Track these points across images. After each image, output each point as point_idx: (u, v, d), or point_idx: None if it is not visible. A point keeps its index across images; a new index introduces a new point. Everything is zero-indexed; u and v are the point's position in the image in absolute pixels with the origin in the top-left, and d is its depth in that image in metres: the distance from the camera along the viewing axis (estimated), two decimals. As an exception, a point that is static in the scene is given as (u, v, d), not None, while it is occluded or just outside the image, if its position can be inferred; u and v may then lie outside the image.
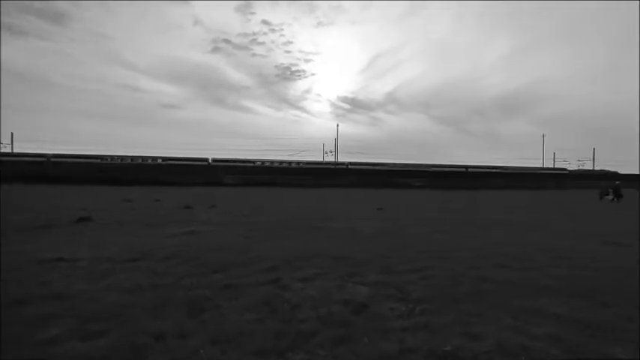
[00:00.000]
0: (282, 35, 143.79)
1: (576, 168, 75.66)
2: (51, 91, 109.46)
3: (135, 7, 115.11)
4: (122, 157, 59.51)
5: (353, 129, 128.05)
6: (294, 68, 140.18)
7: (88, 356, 2.76)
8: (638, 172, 65.85)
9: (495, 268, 5.70)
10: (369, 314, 3.65)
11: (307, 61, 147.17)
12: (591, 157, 77.11)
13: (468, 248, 7.31)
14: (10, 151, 60.85)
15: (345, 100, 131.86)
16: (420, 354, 2.83)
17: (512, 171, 69.35)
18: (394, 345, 2.96)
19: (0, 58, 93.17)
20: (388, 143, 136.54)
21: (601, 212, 17.36)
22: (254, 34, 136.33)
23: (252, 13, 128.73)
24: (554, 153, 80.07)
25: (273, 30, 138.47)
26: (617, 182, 25.13)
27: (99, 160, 57.97)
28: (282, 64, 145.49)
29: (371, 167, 65.49)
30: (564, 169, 73.00)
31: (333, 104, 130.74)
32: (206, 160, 61.88)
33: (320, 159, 71.27)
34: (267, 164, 63.44)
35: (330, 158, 71.83)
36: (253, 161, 63.25)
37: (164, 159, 60.76)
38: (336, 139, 73.22)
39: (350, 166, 65.77)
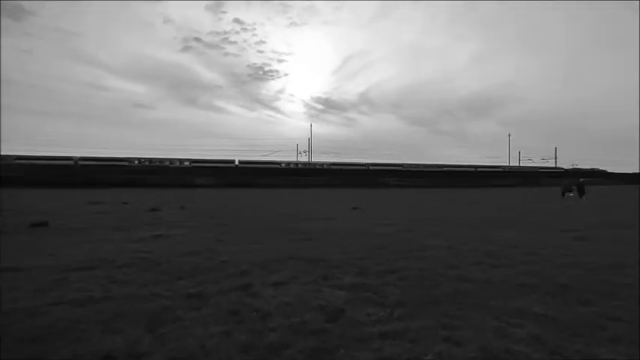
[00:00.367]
0: (254, 35, 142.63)
1: (570, 167, 79.19)
2: (8, 90, 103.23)
3: (103, 5, 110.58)
4: (90, 159, 56.82)
5: (327, 129, 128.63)
6: (267, 68, 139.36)
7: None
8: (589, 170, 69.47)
9: (473, 266, 5.64)
10: (345, 321, 3.41)
11: (280, 61, 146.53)
12: (553, 156, 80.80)
13: (442, 247, 7.25)
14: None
15: (318, 100, 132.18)
16: (401, 364, 2.62)
17: (501, 170, 71.86)
18: (372, 355, 2.74)
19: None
20: (362, 143, 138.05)
21: (567, 208, 17.98)
22: (225, 33, 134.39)
23: (224, 12, 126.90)
24: (519, 152, 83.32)
25: (245, 29, 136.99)
26: (581, 179, 26.24)
27: (70, 162, 55.01)
28: (255, 63, 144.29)
29: (346, 167, 65.76)
30: (561, 168, 76.08)
31: (306, 104, 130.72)
32: (178, 160, 60.13)
33: (294, 159, 70.89)
34: (241, 165, 62.41)
35: (304, 158, 71.58)
36: (226, 162, 62.05)
37: (136, 160, 58.61)
38: (309, 139, 73.07)
39: (324, 166, 65.78)
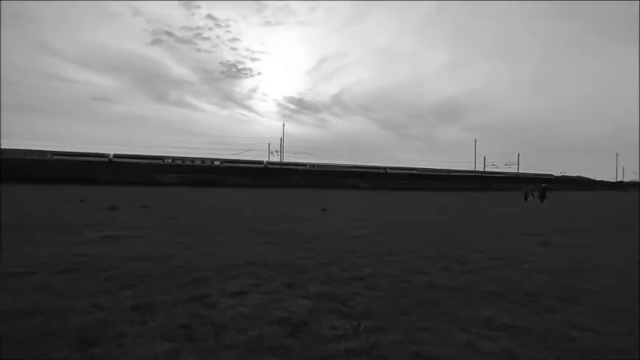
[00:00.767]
0: (228, 32, 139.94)
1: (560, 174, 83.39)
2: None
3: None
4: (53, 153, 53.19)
5: (299, 129, 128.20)
6: (240, 66, 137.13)
7: None
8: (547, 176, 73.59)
9: (441, 272, 5.53)
10: (307, 335, 3.12)
11: (254, 59, 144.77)
12: (516, 162, 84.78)
13: (410, 250, 7.16)
14: None
15: (291, 100, 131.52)
16: (367, 386, 2.37)
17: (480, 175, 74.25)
18: (336, 376, 2.47)
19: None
20: (334, 144, 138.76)
21: (529, 212, 18.68)
22: (198, 28, 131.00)
23: (197, 7, 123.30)
24: (485, 157, 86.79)
25: (218, 25, 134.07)
26: (543, 185, 27.45)
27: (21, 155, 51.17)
28: (228, 61, 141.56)
29: (317, 168, 65.67)
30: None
31: (279, 104, 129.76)
32: (148, 157, 57.52)
33: (266, 159, 69.98)
34: (209, 163, 60.70)
35: (276, 158, 70.82)
36: (193, 159, 60.14)
37: (97, 155, 55.45)
38: (282, 139, 72.42)
39: (295, 167, 65.37)
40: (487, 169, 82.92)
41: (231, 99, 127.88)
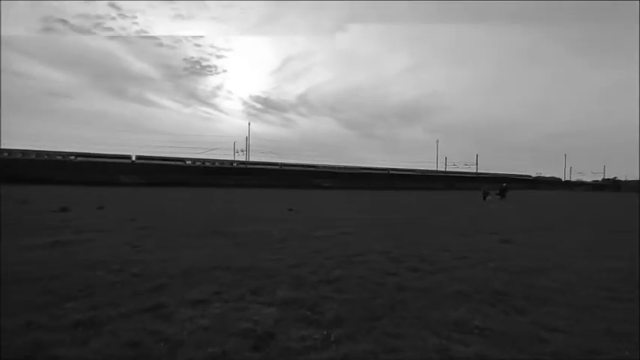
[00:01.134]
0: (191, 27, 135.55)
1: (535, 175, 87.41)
2: None
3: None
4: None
5: (265, 129, 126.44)
6: (204, 63, 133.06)
7: None
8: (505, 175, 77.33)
9: (409, 272, 5.46)
10: (274, 348, 2.89)
11: (219, 57, 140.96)
12: (475, 162, 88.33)
13: (378, 251, 7.07)
14: None
15: (257, 99, 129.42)
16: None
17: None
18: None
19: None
20: (300, 144, 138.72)
21: (490, 211, 19.35)
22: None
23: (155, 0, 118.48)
24: (446, 158, 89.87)
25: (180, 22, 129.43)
26: (504, 184, 28.67)
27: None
28: (192, 57, 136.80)
29: (283, 167, 65.08)
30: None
31: (245, 103, 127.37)
32: (98, 155, 54.44)
33: (231, 158, 68.46)
34: (172, 162, 58.48)
35: (241, 157, 69.45)
36: (155, 158, 57.73)
37: (43, 153, 51.77)
38: (247, 138, 71.09)
39: (261, 166, 64.47)
40: (449, 169, 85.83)
41: (194, 96, 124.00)
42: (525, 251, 7.50)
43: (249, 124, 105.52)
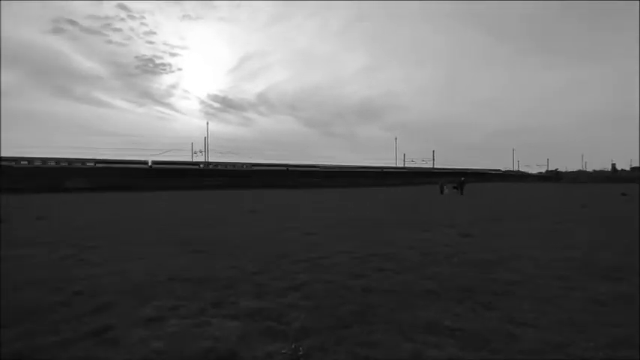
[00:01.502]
0: (143, 24, 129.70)
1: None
2: None
3: None
4: None
5: (224, 128, 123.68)
6: (158, 61, 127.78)
7: None
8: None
9: (376, 273, 5.38)
10: (237, 369, 2.63)
11: (173, 54, 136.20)
12: (432, 158, 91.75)
13: (343, 251, 6.96)
14: None
15: (215, 98, 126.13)
16: None
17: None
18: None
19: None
20: (261, 143, 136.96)
21: (448, 204, 20.00)
22: (108, 18, 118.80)
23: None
24: (404, 154, 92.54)
25: (132, 17, 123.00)
26: (462, 178, 29.83)
27: None
28: (144, 55, 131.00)
29: (242, 167, 63.62)
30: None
31: (202, 102, 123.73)
32: (40, 159, 50.07)
33: (189, 159, 65.93)
34: (124, 165, 55.15)
35: (199, 158, 67.10)
36: (106, 162, 54.21)
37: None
38: (205, 138, 68.77)
39: (219, 167, 62.65)
40: (407, 165, 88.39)
41: (148, 96, 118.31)
42: (483, 243, 7.73)
43: (207, 123, 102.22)
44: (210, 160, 66.25)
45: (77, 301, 4.14)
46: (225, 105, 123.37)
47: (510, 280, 4.88)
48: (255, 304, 4.02)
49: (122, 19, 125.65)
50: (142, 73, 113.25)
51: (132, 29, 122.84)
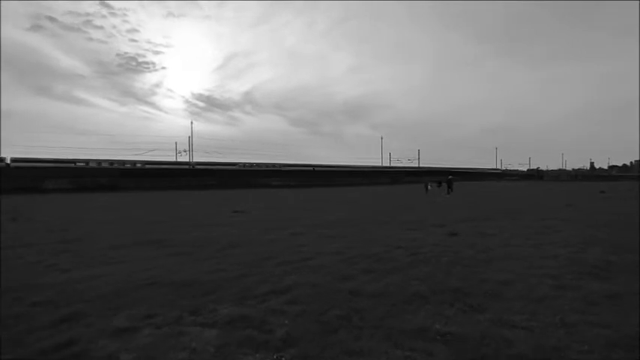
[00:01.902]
0: (125, 21, 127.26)
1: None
2: None
3: None
4: None
5: (210, 127, 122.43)
6: (140, 59, 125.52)
7: None
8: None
9: (363, 274, 5.21)
10: (213, 385, 2.41)
11: (157, 52, 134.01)
12: (417, 157, 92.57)
13: (331, 252, 6.78)
14: None
15: (200, 97, 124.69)
16: None
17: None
18: None
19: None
20: (247, 143, 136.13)
21: (434, 203, 20.03)
22: (88, 15, 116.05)
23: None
24: (390, 153, 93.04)
25: (113, 14, 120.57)
26: (450, 177, 29.90)
27: None
28: (127, 53, 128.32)
29: (228, 167, 62.77)
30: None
31: (187, 101, 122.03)
32: (19, 160, 48.27)
33: (173, 159, 64.70)
34: (106, 165, 53.73)
35: (184, 158, 65.92)
36: (87, 161, 52.67)
37: None
38: (190, 138, 67.59)
39: (206, 166, 61.69)
40: (393, 164, 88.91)
41: (131, 94, 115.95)
42: (471, 242, 7.65)
43: (191, 123, 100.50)
44: (195, 159, 65.22)
45: (41, 311, 3.84)
46: (210, 104, 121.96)
47: (500, 279, 4.77)
48: (237, 310, 3.79)
49: (103, 16, 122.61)
50: (124, 71, 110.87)
51: (114, 26, 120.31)
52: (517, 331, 3.16)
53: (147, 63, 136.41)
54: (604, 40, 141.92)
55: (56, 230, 10.39)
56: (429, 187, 31.59)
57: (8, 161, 46.75)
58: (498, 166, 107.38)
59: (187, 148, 66.36)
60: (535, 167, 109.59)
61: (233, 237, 8.74)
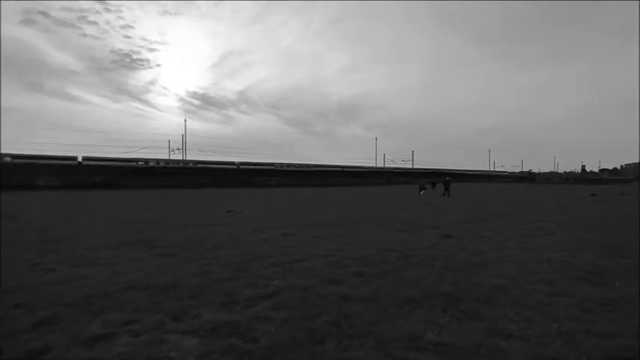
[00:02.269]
0: (120, 17, 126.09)
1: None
2: None
3: None
4: None
5: (204, 126, 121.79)
6: (135, 56, 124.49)
7: None
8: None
9: (354, 278, 5.07)
10: (190, 400, 2.25)
11: (151, 50, 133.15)
12: (411, 158, 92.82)
13: (321, 254, 6.62)
14: None
15: (195, 95, 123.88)
16: None
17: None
18: None
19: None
20: (242, 142, 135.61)
21: (428, 205, 19.97)
22: (82, 10, 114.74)
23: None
24: (384, 154, 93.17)
25: (108, 10, 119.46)
26: (447, 178, 29.72)
27: None
28: (121, 49, 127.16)
29: (222, 166, 62.31)
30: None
31: (181, 99, 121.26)
32: (9, 155, 47.40)
33: (166, 157, 64.08)
34: (100, 162, 53.00)
35: (177, 156, 65.38)
36: (76, 158, 51.86)
37: None
38: (184, 136, 67.07)
39: (199, 165, 61.20)
40: (387, 165, 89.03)
41: (125, 91, 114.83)
42: (465, 244, 7.55)
43: (185, 121, 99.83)
44: (188, 157, 64.68)
45: (13, 316, 3.64)
46: (205, 102, 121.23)
47: (495, 285, 4.64)
48: (221, 316, 3.63)
49: (97, 12, 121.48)
50: (118, 68, 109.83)
51: (108, 23, 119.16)
52: (513, 340, 3.03)
53: (141, 60, 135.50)
54: (601, 41, 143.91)
55: (45, 229, 10.11)
56: (424, 189, 31.48)
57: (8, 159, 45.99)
58: (491, 168, 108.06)
59: (181, 147, 65.87)
60: (527, 169, 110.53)
61: (223, 237, 8.56)
